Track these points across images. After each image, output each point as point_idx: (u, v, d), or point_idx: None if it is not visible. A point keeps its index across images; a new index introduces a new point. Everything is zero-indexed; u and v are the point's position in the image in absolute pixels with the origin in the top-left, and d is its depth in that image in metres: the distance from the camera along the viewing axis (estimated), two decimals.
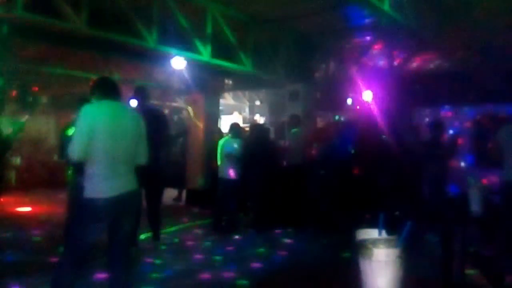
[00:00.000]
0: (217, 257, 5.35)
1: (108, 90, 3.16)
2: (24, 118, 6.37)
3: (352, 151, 6.70)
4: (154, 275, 4.55)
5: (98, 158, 2.91)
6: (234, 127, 7.12)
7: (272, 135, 9.35)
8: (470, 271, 4.16)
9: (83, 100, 4.00)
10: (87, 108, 2.98)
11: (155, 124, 5.35)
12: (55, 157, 6.09)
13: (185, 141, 9.79)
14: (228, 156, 6.72)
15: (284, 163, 7.62)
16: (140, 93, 5.54)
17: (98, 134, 2.90)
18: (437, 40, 6.98)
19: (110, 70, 9.32)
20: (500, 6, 6.28)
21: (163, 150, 5.67)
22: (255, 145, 7.04)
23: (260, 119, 14.25)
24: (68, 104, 12.39)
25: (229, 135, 7.04)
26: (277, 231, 6.75)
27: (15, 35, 5.57)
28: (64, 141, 4.79)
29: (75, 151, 2.90)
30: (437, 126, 6.69)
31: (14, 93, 10.76)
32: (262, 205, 7.08)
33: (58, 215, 5.01)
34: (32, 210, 8.53)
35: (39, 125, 12.87)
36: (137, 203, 3.21)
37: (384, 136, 6.48)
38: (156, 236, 5.64)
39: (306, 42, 8.45)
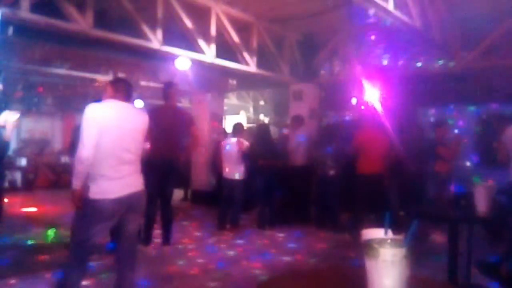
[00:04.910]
0: (221, 257, 5.35)
1: (119, 91, 3.16)
2: (16, 116, 6.38)
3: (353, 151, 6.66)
4: (160, 275, 4.57)
5: (104, 158, 2.91)
6: (237, 126, 7.13)
7: (275, 135, 9.33)
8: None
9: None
10: (94, 107, 2.96)
11: (179, 123, 5.36)
12: (69, 158, 6.06)
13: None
14: (231, 156, 6.73)
15: (289, 163, 7.60)
16: (168, 90, 5.52)
17: (105, 135, 2.90)
18: (442, 39, 6.95)
19: (115, 70, 9.35)
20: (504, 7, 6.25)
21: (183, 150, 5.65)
22: (258, 145, 7.03)
23: (264, 119, 14.24)
24: (73, 104, 12.47)
25: (233, 134, 7.05)
26: (281, 230, 6.75)
27: (20, 36, 5.59)
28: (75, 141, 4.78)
29: (85, 151, 2.86)
30: (441, 125, 6.67)
31: (19, 94, 10.83)
32: (266, 205, 7.08)
33: (64, 215, 5.02)
34: (38, 210, 8.57)
35: (44, 125, 12.95)
36: (143, 203, 3.21)
37: (389, 136, 6.45)
38: (167, 240, 5.61)
39: (310, 42, 8.44)
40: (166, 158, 5.26)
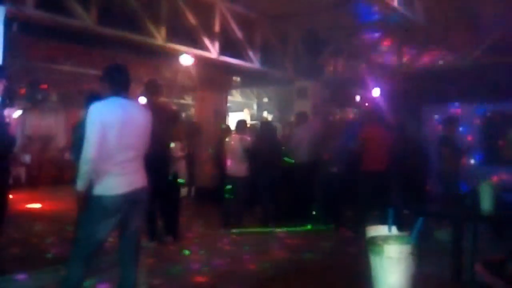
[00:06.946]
0: (224, 254, 5.35)
1: (118, 82, 3.13)
2: (19, 113, 6.42)
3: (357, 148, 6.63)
4: (162, 271, 4.58)
5: (109, 156, 2.91)
6: (241, 124, 7.12)
7: (279, 133, 9.32)
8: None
9: (92, 96, 3.99)
10: (98, 105, 2.95)
11: (165, 120, 5.34)
12: (69, 156, 6.07)
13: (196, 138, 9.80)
14: (235, 153, 6.73)
15: (293, 160, 7.60)
16: (150, 88, 5.50)
17: (109, 132, 2.90)
18: (447, 36, 6.93)
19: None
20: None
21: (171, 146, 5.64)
22: (262, 142, 7.03)
23: (268, 116, 14.23)
24: (77, 101, 12.48)
25: (236, 132, 7.05)
26: (284, 227, 6.75)
27: (25, 33, 5.61)
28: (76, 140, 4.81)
29: (91, 149, 2.84)
30: (451, 122, 6.56)
31: (23, 90, 10.85)
32: (270, 202, 7.08)
33: (68, 211, 5.04)
34: (42, 206, 8.61)
35: (48, 122, 12.98)
36: (146, 199, 3.21)
37: (393, 133, 6.43)
38: (170, 236, 5.60)
39: (314, 39, 8.42)
40: (153, 154, 5.25)
